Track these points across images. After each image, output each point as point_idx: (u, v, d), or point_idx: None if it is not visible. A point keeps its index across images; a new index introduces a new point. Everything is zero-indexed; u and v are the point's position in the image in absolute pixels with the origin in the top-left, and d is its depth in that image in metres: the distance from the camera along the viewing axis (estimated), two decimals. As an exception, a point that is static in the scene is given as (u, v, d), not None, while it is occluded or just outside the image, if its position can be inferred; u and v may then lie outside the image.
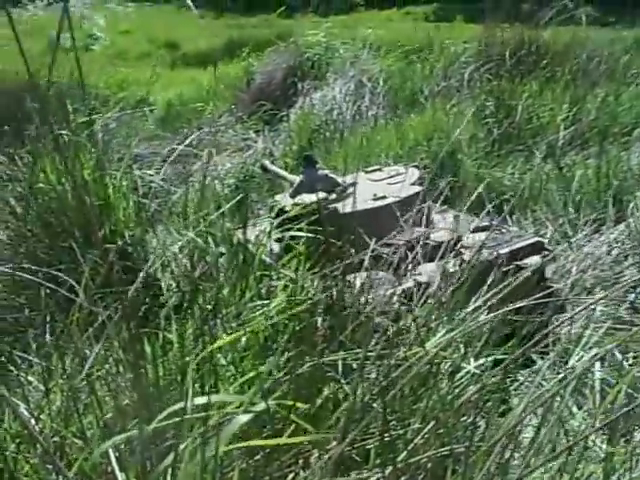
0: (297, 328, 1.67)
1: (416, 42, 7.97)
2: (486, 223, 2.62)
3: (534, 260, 2.48)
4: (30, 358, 2.17)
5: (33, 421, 1.56)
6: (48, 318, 2.48)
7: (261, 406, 1.09)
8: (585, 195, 3.65)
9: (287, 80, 6.08)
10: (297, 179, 3.03)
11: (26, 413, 1.54)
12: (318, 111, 5.43)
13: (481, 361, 1.46)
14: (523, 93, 4.90)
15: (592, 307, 2.25)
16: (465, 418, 1.35)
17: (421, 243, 2.36)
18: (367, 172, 3.13)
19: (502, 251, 2.44)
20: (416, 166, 3.25)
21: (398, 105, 5.36)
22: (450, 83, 5.58)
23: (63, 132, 3.19)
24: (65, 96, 5.00)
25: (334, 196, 2.84)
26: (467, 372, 1.45)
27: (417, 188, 2.84)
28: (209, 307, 1.84)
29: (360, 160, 4.10)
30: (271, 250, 2.37)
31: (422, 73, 6.07)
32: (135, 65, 9.24)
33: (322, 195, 2.78)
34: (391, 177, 3.05)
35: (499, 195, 3.69)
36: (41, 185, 3.02)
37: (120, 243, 2.74)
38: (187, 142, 3.92)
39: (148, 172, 3.71)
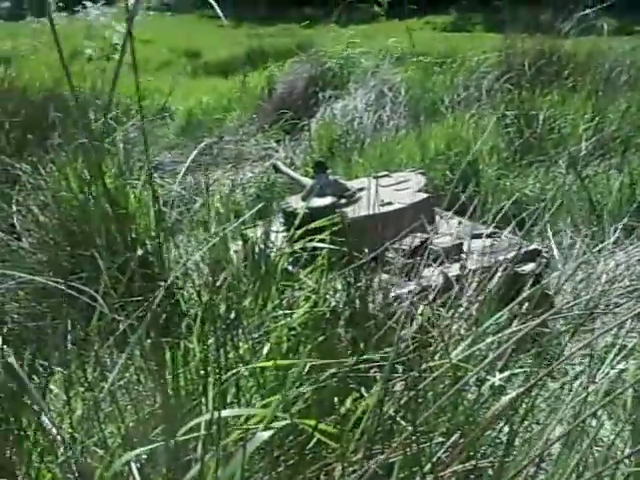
0: (319, 339, 1.66)
1: (436, 52, 7.96)
2: (487, 230, 2.63)
3: (531, 267, 2.53)
4: (51, 366, 2.17)
5: (54, 430, 1.55)
6: (69, 326, 2.50)
7: (284, 422, 1.09)
8: (607, 206, 3.61)
9: (308, 90, 6.09)
10: (309, 183, 3.11)
11: (48, 422, 1.54)
12: (339, 121, 5.43)
13: (507, 373, 1.44)
14: (544, 103, 4.88)
15: (621, 319, 2.23)
16: (490, 432, 1.34)
17: (424, 248, 2.39)
18: (375, 178, 3.01)
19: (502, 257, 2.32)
20: (422, 173, 3.32)
21: (419, 115, 5.35)
22: (470, 93, 5.56)
23: (85, 141, 3.21)
24: (87, 105, 5.05)
25: (343, 201, 2.92)
26: (492, 384, 1.44)
27: (423, 195, 2.95)
28: (231, 317, 1.83)
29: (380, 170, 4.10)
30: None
31: (443, 83, 6.06)
32: (156, 74, 9.29)
33: (332, 199, 2.90)
34: (398, 183, 3.13)
35: (520, 206, 3.66)
36: (63, 194, 3.03)
37: (141, 252, 2.74)
38: (208, 151, 3.94)
39: (169, 181, 3.73)
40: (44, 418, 1.58)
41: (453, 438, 1.26)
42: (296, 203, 2.99)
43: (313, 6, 17.97)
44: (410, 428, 1.21)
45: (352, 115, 5.41)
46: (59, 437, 1.52)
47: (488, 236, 2.55)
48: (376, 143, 4.77)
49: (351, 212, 2.67)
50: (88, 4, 15.44)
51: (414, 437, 1.18)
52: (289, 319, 1.76)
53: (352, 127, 5.33)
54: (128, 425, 1.53)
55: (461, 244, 2.63)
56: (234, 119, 6.22)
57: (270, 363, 1.59)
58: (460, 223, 2.88)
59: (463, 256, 2.50)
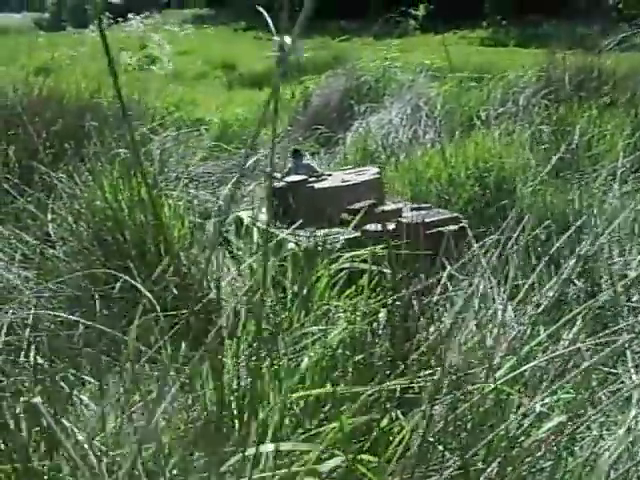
0: (358, 357, 1.63)
1: (472, 66, 7.93)
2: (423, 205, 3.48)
3: (452, 228, 3.08)
4: (84, 377, 2.16)
5: (87, 445, 1.54)
6: (102, 337, 2.49)
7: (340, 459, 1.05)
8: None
9: (344, 103, 6.07)
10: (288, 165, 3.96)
11: (80, 437, 1.52)
12: (374, 134, 5.40)
13: (549, 399, 1.40)
14: (582, 119, 4.81)
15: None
16: (532, 458, 1.29)
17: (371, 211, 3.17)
18: (341, 169, 4.09)
19: (427, 219, 3.13)
20: (379, 166, 4.20)
21: (454, 129, 5.30)
22: (508, 108, 5.51)
23: (121, 151, 3.22)
24: (124, 116, 5.08)
25: (312, 179, 3.68)
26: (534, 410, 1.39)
27: (374, 170, 3.79)
28: (268, 332, 1.81)
29: (414, 184, 4.07)
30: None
31: (479, 98, 6.01)
32: (192, 85, 9.35)
33: (304, 177, 3.67)
34: (358, 172, 3.86)
35: (556, 222, 3.60)
36: (98, 203, 3.04)
37: (175, 263, 2.73)
38: (243, 163, 3.94)
39: (203, 192, 3.72)
40: (75, 430, 1.57)
41: (495, 464, 1.23)
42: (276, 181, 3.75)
43: (349, 19, 18.04)
44: (451, 455, 1.17)
45: (387, 129, 5.38)
46: (91, 451, 1.50)
47: (422, 209, 3.37)
48: (411, 157, 4.73)
49: (318, 185, 3.56)
50: (129, 15, 15.66)
51: (457, 464, 1.14)
52: (327, 337, 1.73)
53: (387, 141, 5.30)
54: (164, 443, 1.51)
55: (400, 209, 3.38)
56: (269, 132, 6.22)
57: (306, 393, 1.56)
58: (405, 204, 3.58)
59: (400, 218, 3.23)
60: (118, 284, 2.74)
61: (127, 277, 2.72)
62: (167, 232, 2.91)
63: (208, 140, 6.06)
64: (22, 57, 12.65)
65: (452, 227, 3.08)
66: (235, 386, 1.61)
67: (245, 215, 3.64)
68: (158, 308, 1.87)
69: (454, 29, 18.58)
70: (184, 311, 2.54)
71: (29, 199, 3.39)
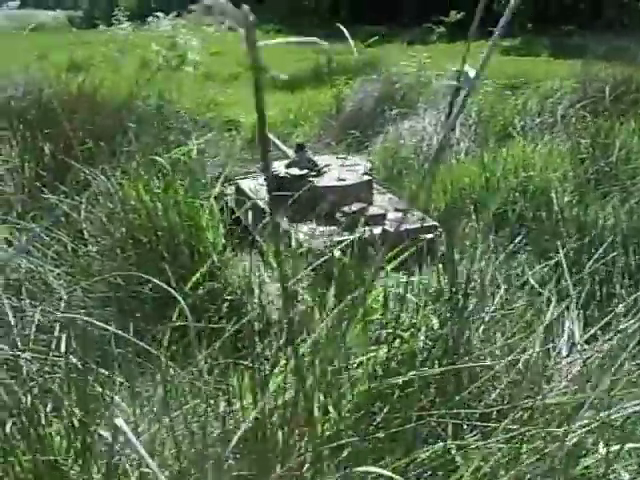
0: (404, 380, 1.58)
1: (506, 75, 7.85)
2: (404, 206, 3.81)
3: (429, 236, 3.23)
4: (116, 378, 2.13)
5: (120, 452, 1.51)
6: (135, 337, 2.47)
7: None
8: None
9: (377, 109, 6.03)
10: (288, 151, 4.40)
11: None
12: (407, 141, 5.35)
13: (616, 447, 1.33)
14: (621, 132, 4.73)
15: None
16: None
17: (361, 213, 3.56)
18: (338, 158, 4.42)
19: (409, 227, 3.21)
20: (370, 161, 4.68)
21: (489, 138, 5.24)
22: (544, 119, 5.44)
23: (158, 150, 3.20)
24: (158, 115, 5.08)
25: (313, 173, 3.98)
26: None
27: (366, 177, 4.02)
28: (304, 348, 1.76)
29: (448, 195, 4.02)
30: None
31: (514, 107, 5.94)
32: (224, 86, 9.34)
33: (306, 171, 3.98)
34: (352, 165, 4.20)
35: (594, 236, 3.54)
36: (132, 203, 3.02)
37: (207, 266, 2.71)
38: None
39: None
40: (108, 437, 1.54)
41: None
42: (279, 168, 4.07)
43: (381, 25, 18.00)
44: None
45: (421, 136, 5.33)
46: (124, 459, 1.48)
47: (402, 211, 3.75)
48: (444, 165, 4.68)
49: (316, 182, 3.83)
50: (160, 15, 15.67)
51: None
52: (374, 355, 1.68)
53: (420, 148, 5.25)
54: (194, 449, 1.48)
55: (385, 214, 3.72)
56: (300, 135, 6.19)
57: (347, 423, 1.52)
58: (390, 199, 4.04)
59: (386, 222, 3.64)
60: (150, 285, 2.73)
61: (160, 278, 2.72)
62: (201, 234, 2.88)
63: (239, 142, 6.05)
64: (55, 54, 12.72)
65: (429, 235, 3.30)
66: (280, 401, 1.57)
67: (245, 185, 4.28)
68: (189, 316, 1.83)
69: (486, 37, 18.48)
70: (216, 316, 2.53)
71: (63, 196, 3.38)
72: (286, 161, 4.18)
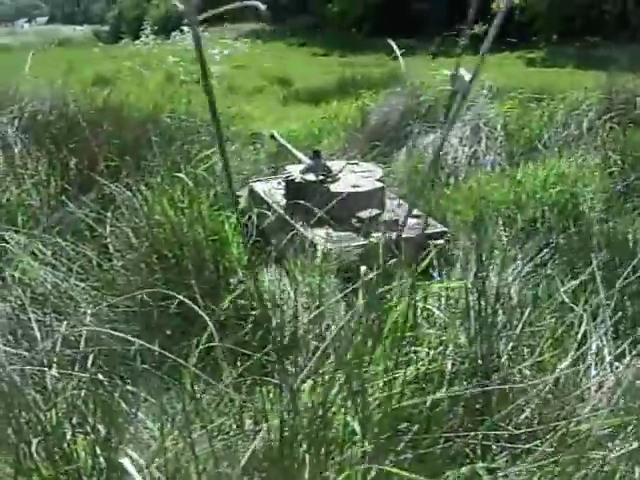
0: (433, 399, 1.55)
1: (531, 87, 7.79)
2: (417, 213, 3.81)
3: (439, 242, 3.48)
4: (141, 394, 2.12)
5: (145, 469, 1.49)
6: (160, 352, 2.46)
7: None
8: None
9: (403, 122, 5.99)
10: (300, 155, 4.53)
11: (141, 461, 1.48)
12: (431, 154, 5.32)
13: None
14: (650, 144, 4.68)
15: None
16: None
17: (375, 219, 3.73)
18: (351, 164, 4.47)
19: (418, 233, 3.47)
20: (380, 166, 4.69)
21: (515, 152, 5.20)
22: (571, 131, 5.38)
23: (182, 165, 3.19)
24: (182, 129, 5.09)
25: (329, 179, 4.05)
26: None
27: (380, 184, 4.08)
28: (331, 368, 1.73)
29: (478, 206, 3.98)
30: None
31: (540, 119, 5.88)
32: (248, 100, 9.37)
33: (321, 177, 4.05)
34: (364, 172, 4.27)
35: (625, 251, 3.48)
36: (157, 217, 3.02)
37: (233, 281, 2.70)
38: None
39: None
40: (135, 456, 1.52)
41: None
42: (295, 172, 4.15)
43: (405, 37, 17.99)
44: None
45: (446, 149, 5.29)
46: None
47: (414, 217, 3.73)
48: (471, 179, 4.64)
49: (332, 187, 3.91)
50: (184, 28, 15.79)
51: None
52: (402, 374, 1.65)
53: (446, 161, 5.21)
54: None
55: (397, 220, 3.73)
56: (325, 148, 6.17)
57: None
58: (400, 205, 4.08)
59: (399, 228, 3.49)
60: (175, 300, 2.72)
61: (186, 293, 2.70)
62: (226, 249, 2.87)
63: (264, 155, 6.05)
64: (80, 68, 12.85)
65: (441, 241, 3.53)
66: (305, 421, 1.55)
67: (259, 187, 4.43)
68: (215, 334, 1.81)
69: (510, 49, 18.43)
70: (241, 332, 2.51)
71: (88, 211, 3.38)
72: (301, 166, 4.28)
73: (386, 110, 6.23)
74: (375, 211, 3.82)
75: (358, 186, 3.99)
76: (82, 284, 2.97)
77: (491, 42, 0.92)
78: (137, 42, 18.17)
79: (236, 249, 2.91)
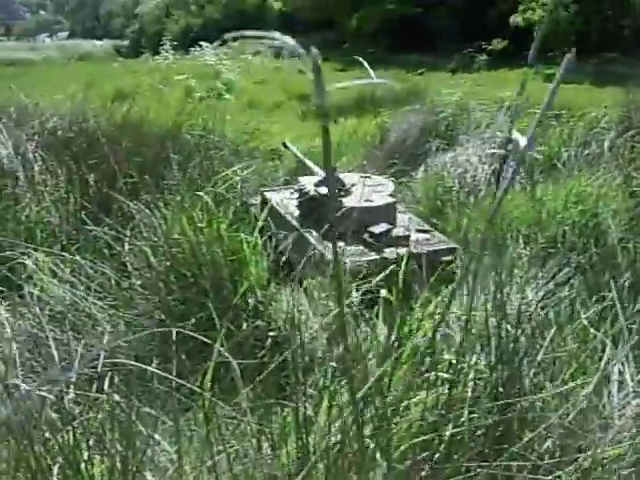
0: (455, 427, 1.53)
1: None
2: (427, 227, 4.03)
3: (448, 258, 3.48)
4: (159, 416, 2.10)
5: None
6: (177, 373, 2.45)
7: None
8: None
9: (422, 139, 5.98)
10: (311, 164, 4.72)
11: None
12: (451, 172, 5.29)
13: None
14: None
15: None
16: None
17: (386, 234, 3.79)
18: (362, 177, 4.53)
19: (433, 249, 3.67)
20: (392, 180, 4.68)
21: (534, 170, 5.16)
22: (592, 150, 5.34)
23: (201, 182, 3.19)
24: (201, 146, 5.10)
25: (342, 193, 4.10)
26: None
27: (392, 199, 4.16)
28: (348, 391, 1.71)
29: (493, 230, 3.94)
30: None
31: (559, 137, 5.84)
32: (267, 115, 9.39)
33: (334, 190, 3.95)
34: (377, 185, 4.35)
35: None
36: (176, 236, 3.01)
37: (252, 301, 2.68)
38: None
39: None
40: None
41: None
42: (308, 184, 4.20)
43: (422, 52, 18.02)
44: None
45: (465, 167, 5.26)
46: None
47: (424, 231, 3.94)
48: (490, 198, 4.60)
49: (345, 201, 3.93)
50: (204, 44, 15.89)
51: None
52: (422, 400, 1.63)
53: (464, 180, 5.18)
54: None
55: (408, 235, 3.84)
56: (344, 165, 6.16)
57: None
58: (410, 218, 4.18)
59: (410, 243, 3.72)
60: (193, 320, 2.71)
61: (204, 312, 2.70)
62: (244, 269, 2.86)
63: (283, 171, 6.05)
64: (100, 83, 12.93)
65: (449, 257, 3.52)
66: (324, 445, 1.53)
67: (272, 197, 4.46)
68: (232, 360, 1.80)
69: (527, 65, 18.39)
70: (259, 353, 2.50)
71: (107, 228, 3.38)
72: (313, 178, 4.35)
73: (405, 127, 6.22)
74: (386, 226, 3.86)
75: (370, 200, 4.04)
76: (100, 302, 2.97)
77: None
78: (157, 57, 18.29)
79: (254, 268, 2.89)
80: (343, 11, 26.81)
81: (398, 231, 3.90)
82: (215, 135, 5.82)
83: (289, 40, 0.78)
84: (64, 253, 3.25)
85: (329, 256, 3.37)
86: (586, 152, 5.28)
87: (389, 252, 3.58)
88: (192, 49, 16.89)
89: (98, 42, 36.08)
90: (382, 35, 23.61)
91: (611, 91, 12.36)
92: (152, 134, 5.08)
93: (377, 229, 3.81)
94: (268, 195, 4.53)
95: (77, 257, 3.17)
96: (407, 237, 3.82)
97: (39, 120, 5.21)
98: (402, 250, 3.38)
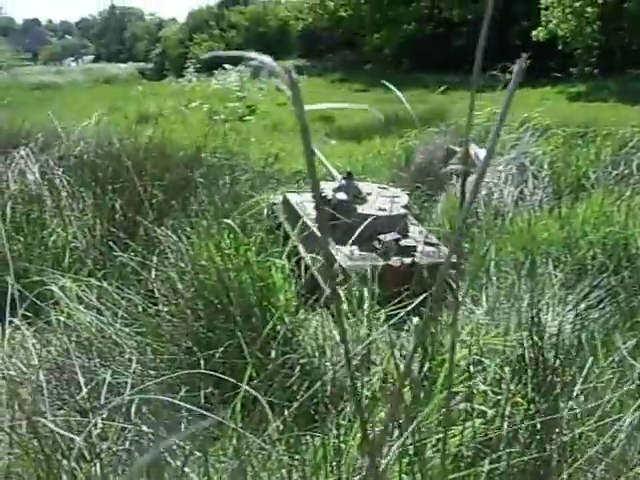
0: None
1: (575, 122, 7.70)
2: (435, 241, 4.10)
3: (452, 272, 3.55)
4: (186, 447, 2.07)
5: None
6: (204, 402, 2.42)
7: None
8: None
9: (448, 160, 5.94)
10: (334, 172, 4.87)
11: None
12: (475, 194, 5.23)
13: None
14: None
15: None
16: None
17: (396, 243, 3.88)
18: (380, 188, 4.77)
19: (436, 261, 3.70)
20: (408, 194, 4.89)
21: (562, 191, 5.11)
22: (621, 171, 5.27)
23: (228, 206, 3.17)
24: (226, 168, 5.10)
25: (359, 200, 4.32)
26: None
27: (404, 210, 4.34)
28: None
29: (527, 248, 3.90)
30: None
31: (587, 157, 5.78)
32: (291, 137, 9.40)
33: (351, 197, 4.30)
34: (392, 197, 4.41)
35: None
36: (203, 262, 2.99)
37: (280, 328, 2.65)
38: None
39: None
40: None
41: None
42: (327, 190, 4.35)
43: (445, 72, 18.03)
44: None
45: (491, 189, 5.21)
46: None
47: (433, 245, 3.99)
48: (517, 219, 4.55)
49: (360, 209, 4.16)
50: (227, 66, 16.02)
51: None
52: (460, 435, 1.59)
53: (490, 201, 5.13)
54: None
55: (416, 246, 3.90)
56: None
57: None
58: (421, 232, 4.28)
59: (416, 254, 3.79)
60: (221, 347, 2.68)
61: (232, 340, 2.67)
62: (273, 295, 2.83)
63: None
64: (125, 106, 13.04)
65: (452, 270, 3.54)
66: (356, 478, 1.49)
67: (292, 198, 4.68)
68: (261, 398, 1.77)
69: (550, 83, 18.36)
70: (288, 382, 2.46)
71: (133, 254, 3.37)
72: (333, 184, 4.56)
73: (431, 149, 6.19)
74: (396, 235, 3.96)
75: (384, 209, 4.18)
76: (127, 329, 2.95)
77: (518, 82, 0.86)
78: (180, 79, 18.44)
79: (283, 295, 2.86)
80: (364, 32, 26.95)
81: (407, 241, 4.01)
82: (239, 157, 5.82)
83: (267, 59, 0.75)
84: (91, 279, 3.24)
85: (344, 264, 3.57)
86: (614, 173, 5.22)
87: (394, 260, 3.72)
88: (215, 72, 17.01)
89: (123, 65, 36.57)
90: (403, 55, 23.68)
91: (637, 109, 12.29)
92: (176, 157, 5.09)
93: (386, 237, 3.91)
94: (289, 196, 4.77)
95: (104, 283, 3.16)
96: (414, 248, 3.93)
97: (65, 144, 5.24)
98: (407, 260, 3.71)
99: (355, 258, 3.74)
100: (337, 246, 3.73)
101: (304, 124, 0.77)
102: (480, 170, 0.86)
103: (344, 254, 3.73)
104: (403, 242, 3.98)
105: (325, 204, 4.24)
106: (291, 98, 0.78)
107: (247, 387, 1.93)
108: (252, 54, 0.78)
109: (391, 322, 2.60)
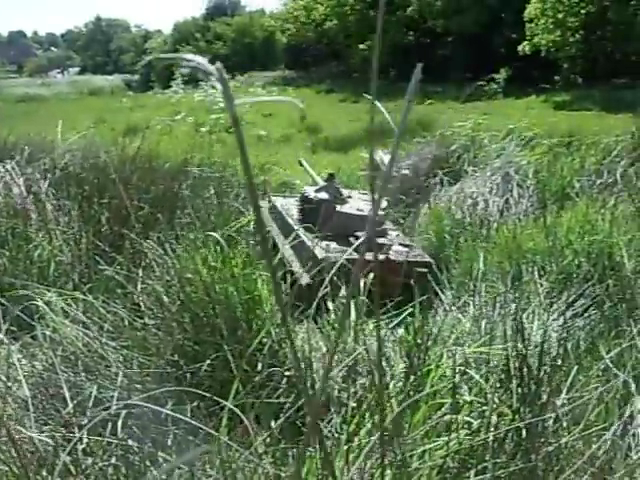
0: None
1: (560, 132, 7.76)
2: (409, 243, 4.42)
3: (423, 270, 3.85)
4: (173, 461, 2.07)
5: None
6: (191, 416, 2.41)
7: None
8: None
9: (433, 170, 5.95)
10: (320, 181, 5.07)
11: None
12: (460, 204, 5.26)
13: None
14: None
15: None
16: None
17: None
18: (360, 193, 5.08)
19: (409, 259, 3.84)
20: (387, 200, 5.21)
21: (547, 200, 5.13)
22: (604, 180, 5.30)
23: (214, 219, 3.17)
24: (212, 180, 5.10)
25: (338, 201, 4.54)
26: None
27: (381, 212, 4.44)
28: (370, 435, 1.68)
29: (512, 257, 3.92)
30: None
31: (572, 167, 5.82)
32: (277, 148, 9.41)
33: (331, 197, 4.56)
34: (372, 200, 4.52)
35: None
36: (189, 276, 2.99)
37: (267, 341, 2.65)
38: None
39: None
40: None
41: None
42: (310, 192, 4.70)
43: (430, 82, 18.08)
44: None
45: (476, 198, 5.23)
46: None
47: (407, 246, 4.30)
48: (503, 228, 4.57)
49: (339, 208, 4.41)
50: (212, 78, 16.00)
51: None
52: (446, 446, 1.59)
53: (475, 211, 5.15)
54: None
55: (391, 245, 4.19)
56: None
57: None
58: (398, 235, 4.60)
59: (390, 252, 4.08)
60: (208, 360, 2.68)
61: (218, 353, 2.67)
62: (259, 307, 2.83)
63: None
64: (111, 117, 13.02)
65: (422, 269, 3.84)
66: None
67: (278, 201, 5.22)
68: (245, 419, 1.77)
69: (535, 93, 18.47)
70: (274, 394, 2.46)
71: (119, 267, 3.36)
72: (316, 187, 4.85)
73: (416, 159, 6.20)
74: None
75: (361, 210, 4.45)
76: (113, 343, 2.93)
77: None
78: (167, 91, 18.42)
79: (269, 307, 2.86)
80: (349, 43, 27.05)
81: (383, 240, 4.28)
82: (225, 169, 5.82)
83: (200, 59, 0.76)
84: (76, 293, 3.22)
85: (319, 255, 3.86)
86: (599, 181, 5.25)
87: (368, 255, 3.84)
88: (202, 83, 17.01)
89: (109, 77, 36.55)
90: (389, 65, 23.77)
91: (620, 118, 12.38)
92: (163, 169, 5.08)
93: (362, 234, 4.05)
94: (274, 199, 5.30)
95: (89, 297, 3.14)
96: (389, 246, 4.18)
97: (50, 157, 5.22)
98: (381, 256, 3.95)
99: (331, 251, 4.00)
100: (316, 240, 3.97)
101: (235, 117, 0.78)
102: (386, 175, 0.90)
103: (321, 247, 4.01)
104: (379, 240, 4.22)
105: (307, 203, 4.62)
106: (222, 92, 0.79)
107: (231, 406, 1.93)
108: (188, 56, 0.79)
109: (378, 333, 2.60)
